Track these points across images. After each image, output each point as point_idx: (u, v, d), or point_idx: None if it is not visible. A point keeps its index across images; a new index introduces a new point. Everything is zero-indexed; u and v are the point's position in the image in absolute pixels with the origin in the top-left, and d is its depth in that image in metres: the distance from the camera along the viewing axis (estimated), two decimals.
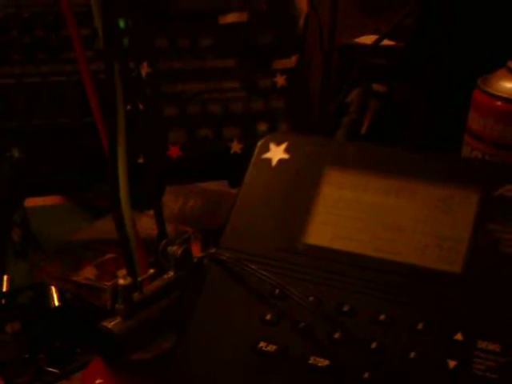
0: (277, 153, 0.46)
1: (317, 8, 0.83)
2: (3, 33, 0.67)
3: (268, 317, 0.41)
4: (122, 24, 0.69)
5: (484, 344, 0.37)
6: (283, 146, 0.46)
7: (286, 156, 0.46)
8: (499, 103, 0.57)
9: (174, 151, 0.72)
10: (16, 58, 0.68)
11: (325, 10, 0.98)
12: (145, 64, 0.70)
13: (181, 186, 0.85)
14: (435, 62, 0.65)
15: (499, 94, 0.57)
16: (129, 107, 0.68)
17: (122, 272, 0.57)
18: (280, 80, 0.73)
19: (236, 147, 0.73)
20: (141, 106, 0.69)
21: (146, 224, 0.66)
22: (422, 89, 0.65)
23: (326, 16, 0.96)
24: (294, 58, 0.74)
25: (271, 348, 0.40)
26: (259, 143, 0.47)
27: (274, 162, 0.46)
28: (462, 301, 0.39)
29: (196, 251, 0.69)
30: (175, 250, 0.50)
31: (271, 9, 0.74)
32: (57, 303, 0.66)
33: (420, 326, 0.38)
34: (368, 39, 0.83)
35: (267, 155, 0.46)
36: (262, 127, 0.72)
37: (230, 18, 0.73)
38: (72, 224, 0.81)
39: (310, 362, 0.39)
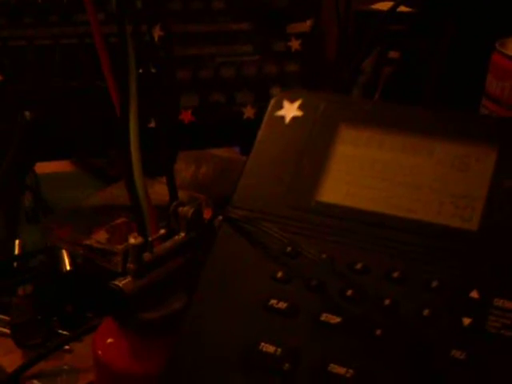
0: (290, 110, 0.45)
1: None
2: None
3: (279, 274, 0.41)
4: None
5: (500, 302, 0.36)
6: (297, 104, 0.45)
7: (299, 113, 0.45)
8: None
9: (186, 116, 0.71)
10: (28, 21, 0.67)
11: None
12: (157, 27, 0.69)
13: (192, 153, 0.85)
14: (452, 25, 0.64)
15: None
16: (141, 71, 0.67)
17: (134, 235, 0.56)
18: (294, 44, 0.72)
19: (249, 112, 0.72)
20: (153, 70, 0.68)
21: (158, 190, 0.66)
22: (439, 51, 0.64)
23: None
24: (308, 23, 0.73)
25: (282, 305, 0.40)
26: (272, 101, 0.46)
27: (288, 119, 0.45)
28: (478, 258, 0.38)
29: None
30: (186, 210, 0.50)
31: None
32: (68, 267, 0.66)
33: (434, 284, 0.38)
34: (385, 5, 0.81)
35: (280, 113, 0.45)
36: (276, 92, 0.72)
37: None
38: (83, 191, 0.81)
39: (321, 318, 0.39)
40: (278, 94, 0.46)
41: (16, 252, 0.71)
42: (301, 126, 0.45)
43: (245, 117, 0.72)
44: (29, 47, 0.67)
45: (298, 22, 0.73)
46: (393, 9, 0.71)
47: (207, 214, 0.73)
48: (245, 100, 0.72)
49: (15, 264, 0.69)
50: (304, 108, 0.45)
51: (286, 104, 0.45)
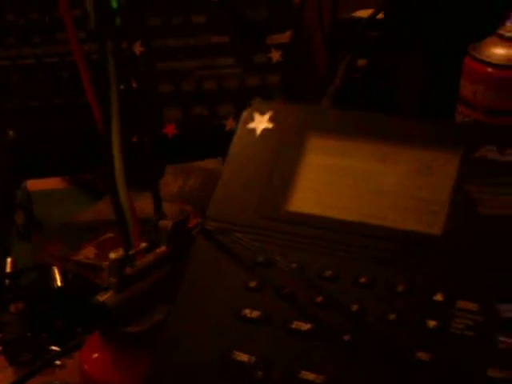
0: (261, 122, 0.46)
1: None
2: None
3: (252, 284, 0.42)
4: (114, 3, 0.69)
5: (463, 304, 0.37)
6: (267, 115, 0.46)
7: (270, 125, 0.46)
8: (490, 69, 0.57)
9: (170, 129, 0.72)
10: (11, 41, 0.68)
11: None
12: (138, 42, 0.70)
13: (179, 166, 0.85)
14: (424, 31, 0.65)
15: (490, 61, 0.57)
16: (122, 87, 0.68)
17: (115, 250, 0.57)
18: (275, 55, 0.73)
19: (231, 124, 0.73)
20: (134, 85, 0.69)
21: (145, 204, 0.67)
22: (411, 59, 0.65)
23: None
24: (288, 33, 0.74)
25: (255, 314, 0.41)
26: (244, 113, 0.47)
27: (259, 131, 0.46)
28: (442, 262, 0.39)
29: None
30: (166, 224, 0.51)
31: None
32: (59, 283, 0.67)
33: (400, 288, 0.38)
34: (366, 13, 0.82)
35: (252, 125, 0.46)
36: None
37: None
38: (74, 206, 0.82)
39: (292, 326, 0.39)
40: (249, 107, 0.47)
41: (8, 269, 0.72)
42: (271, 138, 0.46)
43: (227, 128, 0.73)
44: (12, 67, 0.68)
45: (277, 34, 0.74)
46: (371, 17, 0.72)
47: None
48: (227, 112, 0.72)
49: (7, 281, 0.70)
50: (274, 119, 0.46)
51: (256, 116, 0.46)
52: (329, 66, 0.81)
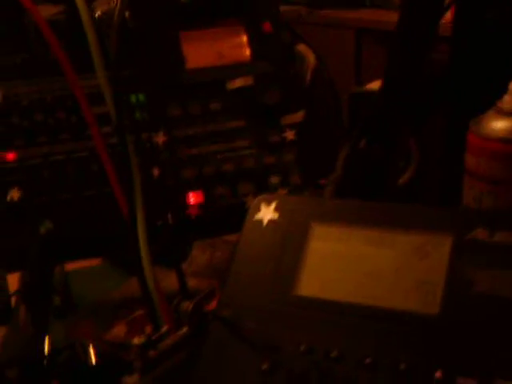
0: (267, 213, 0.50)
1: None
2: (29, 117, 0.72)
3: (264, 367, 0.44)
4: (133, 99, 0.74)
5: (462, 380, 0.39)
6: (273, 206, 0.50)
7: (275, 216, 0.49)
8: (490, 143, 0.59)
9: (194, 210, 0.75)
10: (42, 140, 0.73)
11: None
12: (161, 133, 0.75)
13: (207, 240, 0.89)
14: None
15: (489, 135, 0.60)
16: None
17: (149, 328, 0.61)
18: (289, 135, 0.77)
19: (251, 202, 0.76)
20: (157, 172, 0.73)
21: (175, 280, 0.70)
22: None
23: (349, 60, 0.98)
24: (300, 113, 0.78)
25: None
26: (252, 205, 0.51)
27: (265, 222, 0.50)
28: (441, 340, 0.41)
29: None
30: (187, 306, 0.54)
31: (277, 70, 0.79)
32: (94, 361, 0.70)
33: (402, 367, 0.41)
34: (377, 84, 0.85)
35: (259, 216, 0.50)
36: (275, 180, 0.76)
37: (237, 82, 0.77)
38: (108, 282, 0.86)
39: None
40: (255, 199, 0.50)
41: (46, 348, 0.75)
42: (277, 227, 0.49)
43: (247, 206, 0.76)
44: (44, 164, 0.72)
45: (290, 114, 0.78)
46: (380, 95, 0.75)
47: None
48: (246, 191, 0.76)
49: (45, 362, 0.73)
50: (279, 210, 0.49)
51: (263, 208, 0.50)
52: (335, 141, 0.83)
